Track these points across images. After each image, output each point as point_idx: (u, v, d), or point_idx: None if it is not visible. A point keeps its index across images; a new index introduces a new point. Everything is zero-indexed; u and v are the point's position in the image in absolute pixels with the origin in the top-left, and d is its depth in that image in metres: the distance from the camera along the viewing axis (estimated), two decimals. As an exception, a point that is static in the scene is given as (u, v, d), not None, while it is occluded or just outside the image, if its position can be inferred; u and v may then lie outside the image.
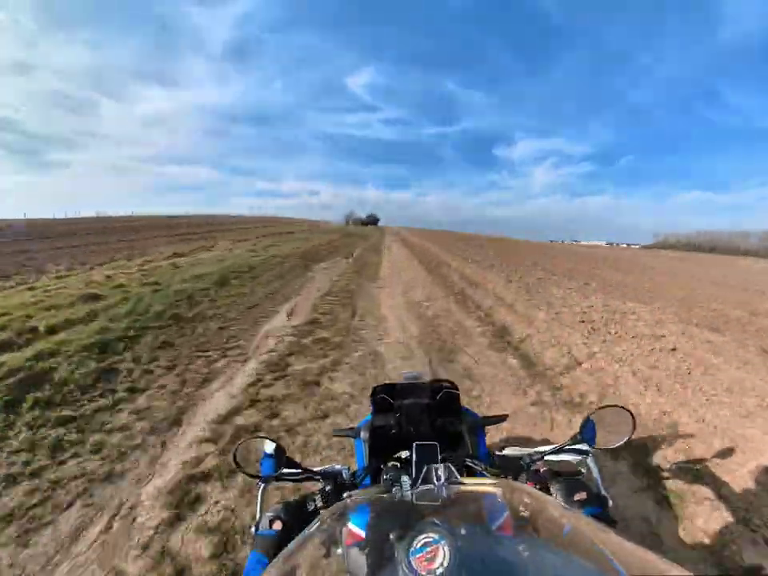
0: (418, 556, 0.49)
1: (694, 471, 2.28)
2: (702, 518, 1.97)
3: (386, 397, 1.21)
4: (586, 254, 20.97)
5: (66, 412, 2.97)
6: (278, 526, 0.82)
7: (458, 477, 0.76)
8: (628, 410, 0.95)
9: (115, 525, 1.98)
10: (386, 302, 6.88)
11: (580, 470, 1.05)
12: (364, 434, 1.18)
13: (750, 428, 2.60)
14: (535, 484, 0.90)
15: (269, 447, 0.96)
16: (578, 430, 0.96)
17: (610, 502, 0.88)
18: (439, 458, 0.90)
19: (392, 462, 1.00)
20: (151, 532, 1.93)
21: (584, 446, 0.97)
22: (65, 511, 2.05)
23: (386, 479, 0.82)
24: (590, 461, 1.04)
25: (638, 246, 69.88)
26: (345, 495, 0.83)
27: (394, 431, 1.15)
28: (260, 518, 0.86)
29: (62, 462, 2.42)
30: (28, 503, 2.08)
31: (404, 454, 1.05)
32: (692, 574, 0.47)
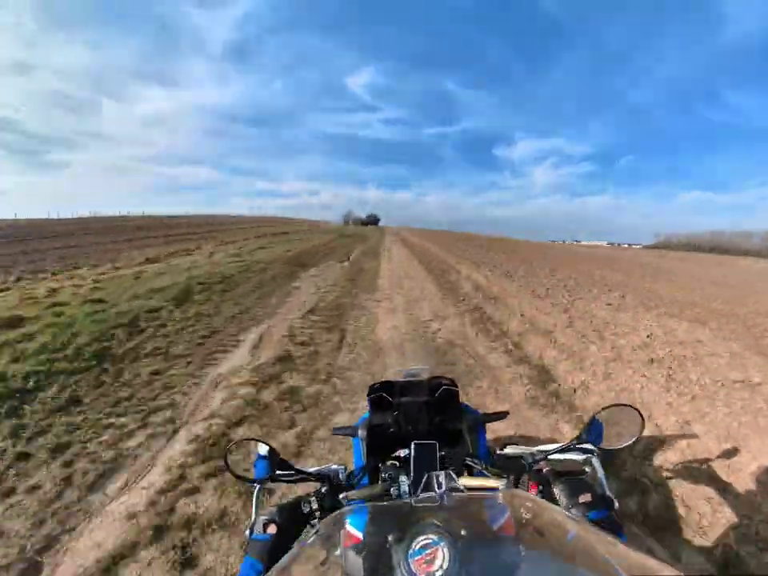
0: (416, 558, 0.49)
1: None
2: None
3: (384, 395, 1.13)
4: (595, 255, 19.54)
5: None
6: (272, 529, 0.78)
7: (459, 484, 0.73)
8: (636, 409, 0.91)
9: None
10: (384, 322, 5.45)
11: (584, 470, 0.99)
12: (362, 433, 1.11)
13: None
14: (538, 484, 0.86)
15: (261, 449, 0.91)
16: (582, 429, 0.92)
17: (616, 504, 0.84)
18: (438, 456, 0.89)
19: (390, 461, 0.97)
20: None
21: (589, 446, 0.92)
22: None
23: (384, 478, 0.84)
24: (594, 460, 1.00)
25: (639, 246, 68.57)
26: (341, 496, 0.81)
27: (392, 429, 1.09)
28: (254, 521, 0.81)
29: None
30: None
31: (403, 452, 1.00)
32: None
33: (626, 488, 2.18)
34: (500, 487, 0.77)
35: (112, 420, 2.87)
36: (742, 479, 2.12)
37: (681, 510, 2.02)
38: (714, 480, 2.16)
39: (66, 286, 7.10)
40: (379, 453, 1.05)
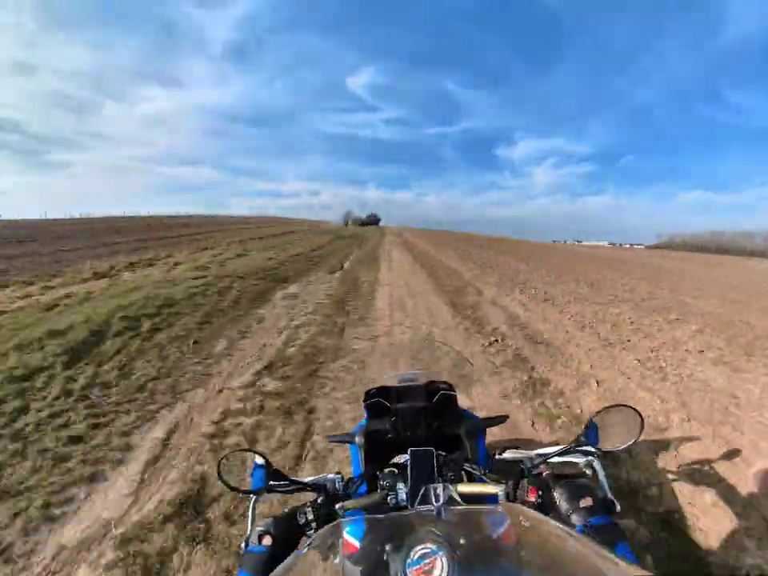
0: (415, 568, 0.48)
1: None
2: None
3: (381, 400, 1.12)
4: (614, 258, 17.45)
5: None
6: (267, 541, 0.76)
7: (457, 497, 0.72)
8: (635, 410, 0.88)
9: None
10: (379, 379, 3.37)
11: (585, 473, 0.97)
12: (359, 440, 1.08)
13: None
14: (537, 489, 0.82)
15: (258, 460, 0.89)
16: (581, 431, 0.89)
17: (618, 507, 0.82)
18: (436, 463, 0.86)
19: (388, 469, 0.90)
20: None
21: (589, 448, 0.89)
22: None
23: (382, 486, 0.81)
24: (595, 463, 0.97)
25: (641, 247, 66.52)
26: (337, 506, 0.80)
27: (390, 436, 1.08)
28: (250, 533, 0.81)
29: None
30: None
31: (401, 458, 0.98)
32: None
33: None
34: (499, 493, 0.76)
35: None
36: None
37: None
38: None
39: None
40: (377, 459, 1.02)
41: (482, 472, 0.87)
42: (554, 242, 57.67)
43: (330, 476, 0.96)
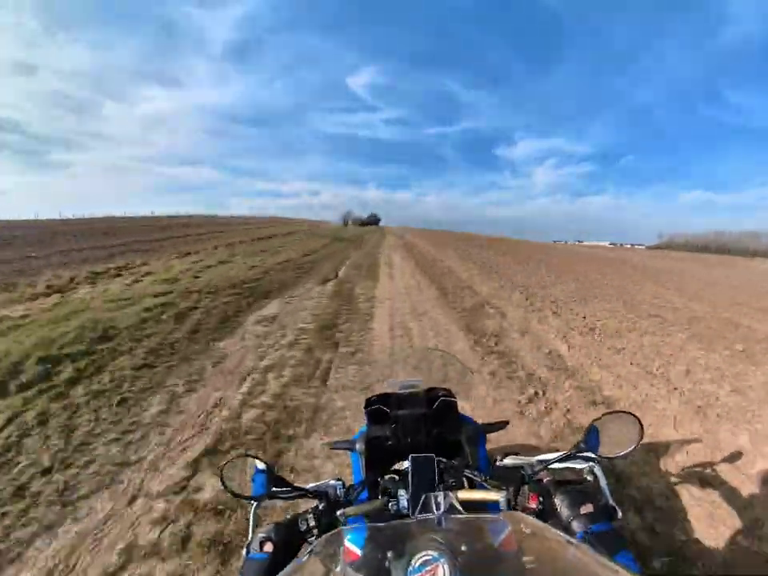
0: (417, 575, 0.47)
1: None
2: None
3: (381, 407, 1.10)
4: (620, 260, 16.04)
5: None
6: (269, 548, 0.75)
7: (458, 504, 0.71)
8: (635, 416, 0.86)
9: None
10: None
11: (586, 479, 0.95)
12: (360, 447, 1.08)
13: None
14: (538, 495, 0.81)
15: (259, 466, 0.87)
16: (581, 438, 0.87)
17: (619, 514, 0.80)
18: (437, 469, 0.85)
19: (389, 475, 0.90)
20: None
21: (589, 454, 0.87)
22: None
23: (383, 492, 0.81)
24: (597, 469, 0.95)
25: (642, 247, 65.16)
26: (338, 513, 0.78)
27: (390, 442, 1.06)
28: (251, 539, 0.78)
29: None
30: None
31: (402, 465, 0.97)
32: None
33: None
34: (500, 499, 0.75)
35: None
36: None
37: None
38: None
39: None
40: (378, 466, 1.01)
41: (483, 478, 0.85)
42: (554, 242, 56.33)
43: (332, 482, 0.93)
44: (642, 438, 0.83)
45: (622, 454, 0.84)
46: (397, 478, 0.87)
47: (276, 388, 3.56)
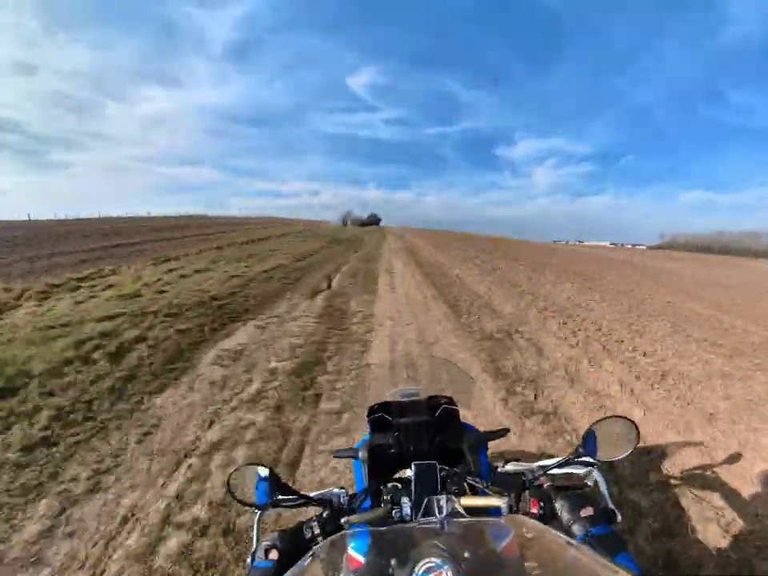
0: None
1: None
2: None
3: (383, 415, 1.09)
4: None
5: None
6: (274, 555, 0.75)
7: (460, 508, 0.72)
8: (631, 420, 0.87)
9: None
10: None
11: (586, 483, 0.96)
12: (362, 455, 1.06)
13: None
14: (539, 500, 0.81)
15: (262, 473, 0.86)
16: (580, 443, 0.87)
17: (619, 517, 0.81)
18: (439, 477, 0.85)
19: (392, 483, 0.89)
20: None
21: (588, 459, 0.88)
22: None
23: (386, 500, 0.80)
24: (596, 473, 0.96)
25: (643, 247, 63.99)
26: (342, 521, 0.77)
27: (393, 450, 1.04)
28: (256, 547, 0.78)
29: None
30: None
31: (406, 472, 0.95)
32: None
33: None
34: (501, 506, 0.76)
35: None
36: None
37: None
38: None
39: None
40: (381, 474, 1.01)
41: (485, 485, 0.85)
42: (554, 242, 55.12)
43: (335, 490, 0.93)
44: (638, 441, 0.85)
45: (620, 457, 0.85)
46: (400, 485, 0.86)
47: (219, 484, 2.27)
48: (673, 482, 2.31)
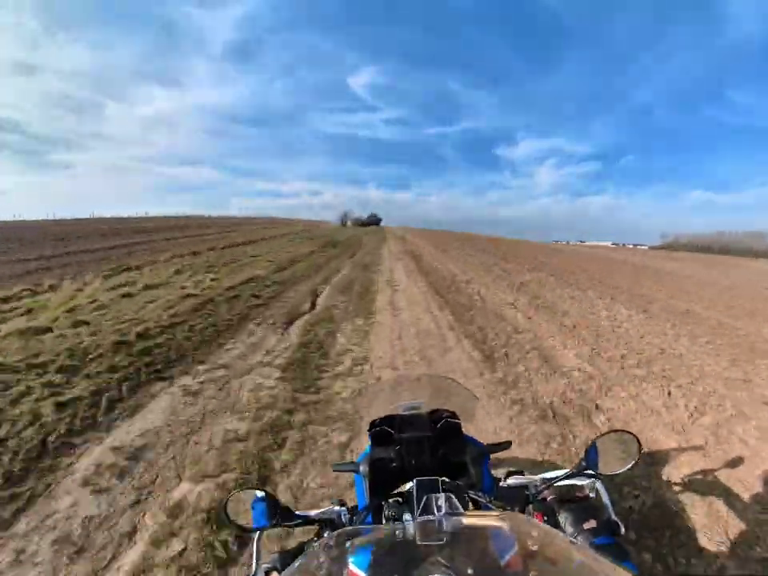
0: None
1: None
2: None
3: (385, 428, 1.06)
4: (646, 267, 12.89)
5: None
6: None
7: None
8: (633, 434, 0.86)
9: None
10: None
11: (589, 496, 0.95)
12: (363, 469, 1.02)
13: None
14: (543, 513, 0.83)
15: (259, 495, 0.85)
16: (583, 456, 0.86)
17: (622, 529, 0.80)
18: (441, 491, 0.79)
19: (393, 498, 0.84)
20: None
21: (591, 472, 0.86)
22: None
23: (388, 517, 0.78)
24: (599, 485, 0.96)
25: (645, 247, 62.11)
26: (341, 531, 0.71)
27: (394, 464, 1.01)
28: (256, 570, 0.79)
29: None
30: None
31: (407, 486, 0.88)
32: None
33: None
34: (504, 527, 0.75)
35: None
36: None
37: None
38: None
39: None
40: (382, 489, 0.95)
41: (488, 499, 0.81)
42: (555, 242, 53.32)
43: (336, 508, 0.93)
44: (640, 455, 0.84)
45: (622, 471, 0.84)
46: (401, 500, 0.83)
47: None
48: None
